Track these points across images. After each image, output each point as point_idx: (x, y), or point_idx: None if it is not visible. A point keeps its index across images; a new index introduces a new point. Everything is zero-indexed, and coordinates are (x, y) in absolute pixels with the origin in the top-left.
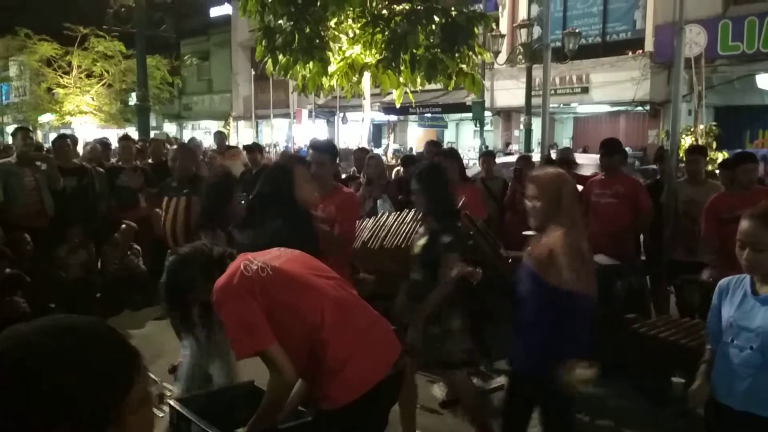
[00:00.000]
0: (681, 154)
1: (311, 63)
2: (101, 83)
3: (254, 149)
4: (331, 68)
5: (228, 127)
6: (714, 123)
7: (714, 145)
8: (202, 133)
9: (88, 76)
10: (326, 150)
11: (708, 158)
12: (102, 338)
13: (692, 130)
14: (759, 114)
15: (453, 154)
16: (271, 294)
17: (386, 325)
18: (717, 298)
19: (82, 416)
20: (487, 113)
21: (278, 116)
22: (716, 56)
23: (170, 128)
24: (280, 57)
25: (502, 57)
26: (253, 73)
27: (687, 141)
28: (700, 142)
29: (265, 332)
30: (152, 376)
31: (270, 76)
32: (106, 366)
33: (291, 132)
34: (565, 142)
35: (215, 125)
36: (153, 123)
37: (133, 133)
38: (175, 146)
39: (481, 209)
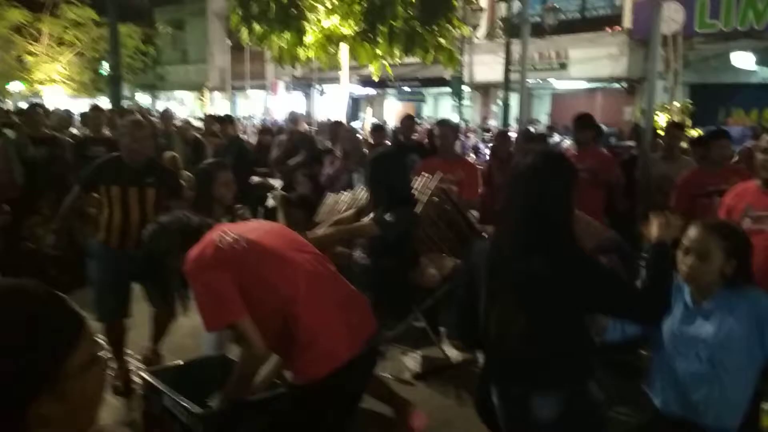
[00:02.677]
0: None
1: (287, 33)
2: (72, 51)
3: (226, 121)
4: (308, 39)
5: (203, 98)
6: (689, 101)
7: (689, 122)
8: (177, 104)
9: (59, 44)
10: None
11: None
12: (42, 300)
13: (668, 107)
14: (733, 92)
15: (451, 125)
16: (245, 266)
17: (363, 300)
18: None
19: (15, 373)
20: (466, 88)
21: (254, 88)
22: (693, 34)
23: (144, 99)
24: (256, 26)
25: (482, 31)
26: (229, 43)
27: (662, 118)
28: (675, 119)
29: (236, 305)
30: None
31: (246, 46)
32: (45, 327)
33: (267, 104)
34: (543, 118)
35: (190, 96)
36: (126, 93)
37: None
38: (126, 119)
39: (474, 188)
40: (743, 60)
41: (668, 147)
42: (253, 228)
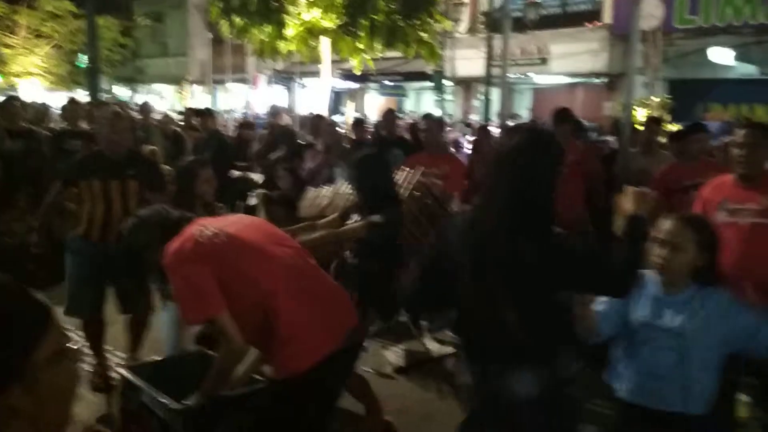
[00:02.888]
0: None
1: (267, 26)
2: (50, 44)
3: (206, 114)
4: (289, 32)
5: (183, 91)
6: (668, 96)
7: (667, 117)
8: (157, 97)
9: (37, 36)
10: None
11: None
12: (4, 291)
13: (647, 102)
14: (711, 87)
15: (436, 119)
16: (224, 260)
17: (344, 295)
18: None
19: None
20: (448, 83)
21: (235, 81)
22: (672, 29)
23: (123, 92)
24: (236, 19)
25: (464, 26)
26: (209, 36)
27: (641, 113)
28: (655, 114)
29: (215, 299)
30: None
31: (226, 39)
32: (10, 318)
33: (248, 98)
34: (524, 112)
35: (170, 89)
36: (105, 86)
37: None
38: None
39: (458, 183)
40: (721, 55)
41: (646, 142)
42: (233, 222)
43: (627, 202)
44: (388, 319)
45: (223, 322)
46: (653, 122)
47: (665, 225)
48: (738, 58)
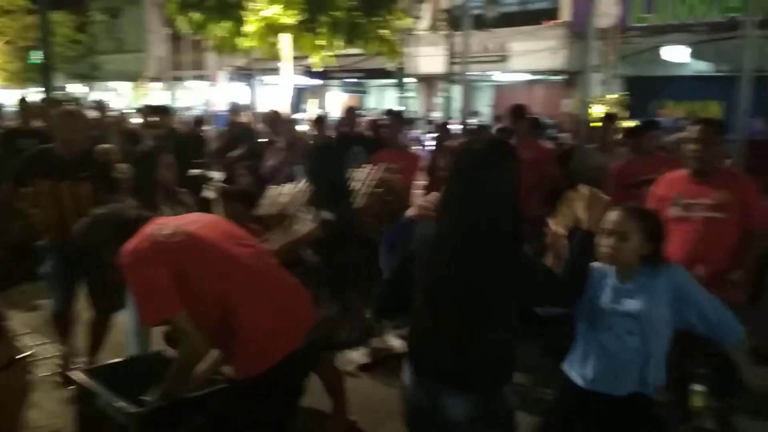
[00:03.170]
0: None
1: (226, 22)
2: (2, 40)
3: (163, 112)
4: (248, 29)
5: (140, 88)
6: (625, 93)
7: (624, 114)
8: (115, 95)
9: None
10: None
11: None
12: None
13: (604, 99)
14: (666, 84)
15: (397, 115)
16: (183, 260)
17: (304, 294)
18: None
19: None
20: (410, 80)
21: (195, 78)
22: (628, 28)
23: (79, 89)
24: (193, 15)
25: (424, 23)
26: (167, 31)
27: (599, 109)
28: (611, 111)
29: (173, 299)
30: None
31: (185, 35)
32: None
33: (207, 95)
34: (485, 110)
35: (127, 86)
36: (59, 83)
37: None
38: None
39: (409, 176)
40: (676, 53)
41: (602, 138)
42: (192, 221)
43: (580, 205)
44: (364, 297)
45: (181, 323)
46: (608, 119)
47: (611, 216)
48: (692, 55)
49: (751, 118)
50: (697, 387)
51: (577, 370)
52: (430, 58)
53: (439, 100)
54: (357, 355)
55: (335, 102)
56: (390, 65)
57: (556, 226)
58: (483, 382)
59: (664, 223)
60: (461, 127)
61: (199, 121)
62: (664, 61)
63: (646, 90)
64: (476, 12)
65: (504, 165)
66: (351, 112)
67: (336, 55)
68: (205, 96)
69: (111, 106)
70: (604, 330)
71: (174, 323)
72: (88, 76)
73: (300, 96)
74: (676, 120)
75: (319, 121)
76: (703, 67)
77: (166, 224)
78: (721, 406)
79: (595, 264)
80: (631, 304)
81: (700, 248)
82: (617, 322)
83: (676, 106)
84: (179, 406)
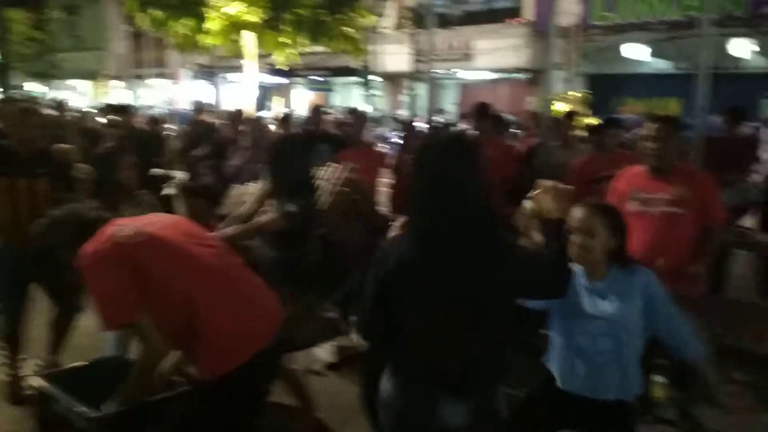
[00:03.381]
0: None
1: (187, 19)
2: None
3: (124, 110)
4: (210, 26)
5: (101, 87)
6: (587, 90)
7: (587, 111)
8: (76, 94)
9: None
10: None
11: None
12: None
13: (566, 97)
14: (626, 82)
15: (359, 114)
16: (144, 261)
17: (270, 294)
18: None
19: None
20: (376, 78)
21: (157, 76)
22: (590, 26)
23: (38, 88)
24: (153, 11)
25: (389, 21)
26: (128, 29)
27: (563, 107)
28: (573, 108)
29: (134, 302)
30: None
31: (146, 32)
32: None
33: (170, 93)
34: (450, 107)
35: (88, 85)
36: (17, 82)
37: None
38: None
39: (374, 174)
40: (636, 51)
41: (563, 135)
42: (152, 221)
43: (544, 198)
44: (329, 296)
45: (142, 325)
46: (567, 117)
47: (576, 214)
48: (652, 53)
49: (709, 115)
50: (658, 378)
51: (555, 371)
52: (396, 56)
53: (404, 98)
54: (324, 354)
55: (301, 100)
56: (355, 63)
57: (527, 212)
58: (483, 385)
59: (624, 215)
60: (427, 125)
61: (155, 119)
62: (625, 59)
63: (608, 87)
64: (440, 10)
65: (468, 157)
66: (317, 111)
67: (301, 53)
68: (168, 94)
69: (71, 104)
70: (578, 332)
71: (135, 327)
72: (47, 75)
73: (265, 94)
74: (637, 117)
75: (285, 120)
76: (662, 64)
77: (126, 225)
78: (681, 397)
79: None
80: (603, 306)
81: (659, 242)
82: (589, 323)
83: (636, 103)
84: (141, 409)
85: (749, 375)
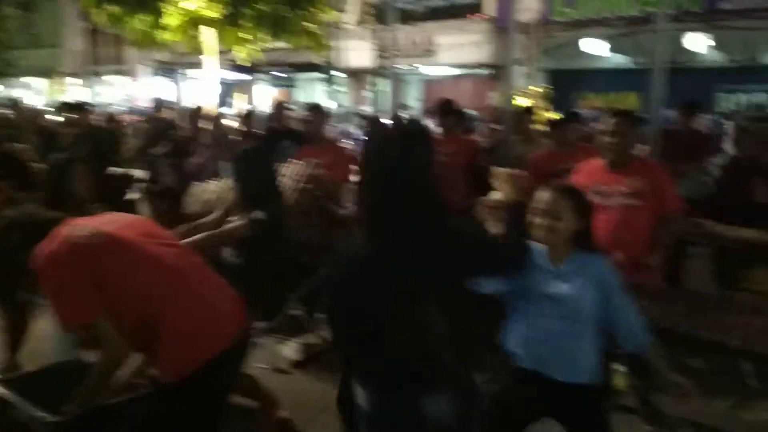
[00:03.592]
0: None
1: (144, 15)
2: None
3: (81, 108)
4: (168, 22)
5: (58, 85)
6: (548, 85)
7: (548, 106)
8: (32, 92)
9: None
10: (318, 110)
11: (538, 118)
12: None
13: (528, 92)
14: (586, 77)
15: (319, 110)
16: (101, 262)
17: (231, 294)
18: None
19: None
20: (340, 74)
21: (115, 73)
22: (550, 22)
23: None
24: (110, 7)
25: (351, 17)
26: (85, 25)
27: (524, 102)
28: (535, 103)
29: (91, 303)
30: None
31: (103, 28)
32: None
33: (129, 90)
34: (414, 103)
35: (43, 83)
36: None
37: None
38: None
39: (342, 170)
40: (595, 47)
41: (521, 131)
42: (110, 221)
43: (502, 184)
44: (271, 318)
45: (101, 327)
46: (525, 112)
47: (542, 196)
48: (610, 49)
49: (666, 108)
50: (619, 367)
51: (516, 352)
52: (359, 52)
53: (368, 94)
54: (289, 352)
55: (264, 96)
56: (318, 59)
57: (489, 203)
58: (459, 372)
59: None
60: (392, 121)
61: (113, 117)
62: (585, 54)
63: (568, 82)
64: (402, 6)
65: (417, 145)
66: (280, 107)
67: (262, 49)
68: (127, 91)
69: (26, 103)
70: (533, 313)
71: (94, 327)
72: (2, 73)
73: (227, 91)
74: (597, 111)
75: (247, 116)
76: (621, 59)
77: (83, 225)
78: (641, 385)
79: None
80: (561, 288)
81: (618, 234)
82: (546, 304)
83: (596, 97)
84: (101, 413)
85: (705, 363)
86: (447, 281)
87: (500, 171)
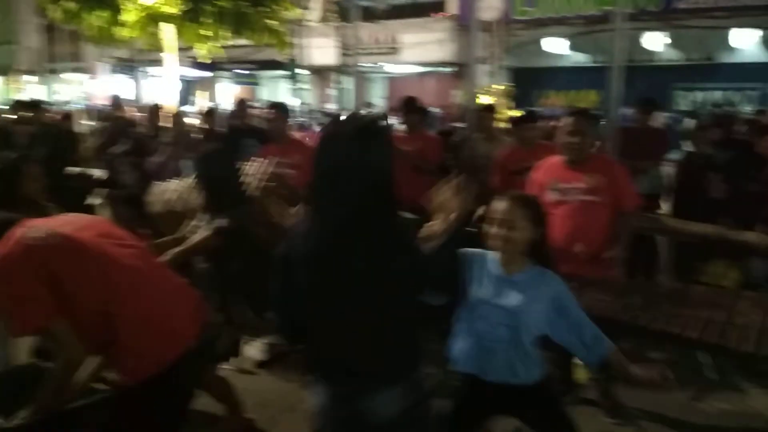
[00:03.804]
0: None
1: (102, 11)
2: None
3: (36, 107)
4: (127, 18)
5: (13, 82)
6: (510, 83)
7: (511, 104)
8: None
9: None
10: (281, 109)
11: (502, 116)
12: None
13: (490, 90)
14: (547, 75)
15: (281, 108)
16: (57, 264)
17: (192, 294)
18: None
19: None
20: (303, 71)
21: (73, 70)
22: (512, 21)
23: None
24: (66, 3)
25: (315, 14)
26: (40, 21)
27: (487, 100)
28: (497, 101)
29: (47, 306)
30: None
31: (59, 24)
32: None
33: (87, 88)
34: (378, 101)
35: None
36: None
37: None
38: None
39: (308, 169)
40: (556, 45)
41: (483, 128)
42: (67, 222)
43: (445, 204)
44: (262, 313)
45: (57, 330)
46: (485, 110)
47: (498, 206)
48: (570, 47)
49: (624, 106)
50: (579, 361)
51: (459, 357)
52: (323, 50)
53: (333, 91)
54: (253, 353)
55: (227, 94)
56: (282, 57)
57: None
58: (403, 370)
59: (545, 207)
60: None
61: (69, 115)
62: (546, 53)
63: (530, 80)
64: (365, 4)
65: (371, 142)
66: (242, 105)
67: (224, 46)
68: (85, 89)
69: None
70: (479, 318)
71: (48, 332)
72: None
73: (189, 88)
74: (559, 109)
75: (209, 114)
76: (581, 58)
77: (38, 226)
78: (602, 378)
79: (482, 252)
80: (510, 297)
81: (577, 229)
82: (493, 312)
83: (557, 95)
84: (58, 418)
85: (664, 355)
86: (389, 282)
87: (444, 191)
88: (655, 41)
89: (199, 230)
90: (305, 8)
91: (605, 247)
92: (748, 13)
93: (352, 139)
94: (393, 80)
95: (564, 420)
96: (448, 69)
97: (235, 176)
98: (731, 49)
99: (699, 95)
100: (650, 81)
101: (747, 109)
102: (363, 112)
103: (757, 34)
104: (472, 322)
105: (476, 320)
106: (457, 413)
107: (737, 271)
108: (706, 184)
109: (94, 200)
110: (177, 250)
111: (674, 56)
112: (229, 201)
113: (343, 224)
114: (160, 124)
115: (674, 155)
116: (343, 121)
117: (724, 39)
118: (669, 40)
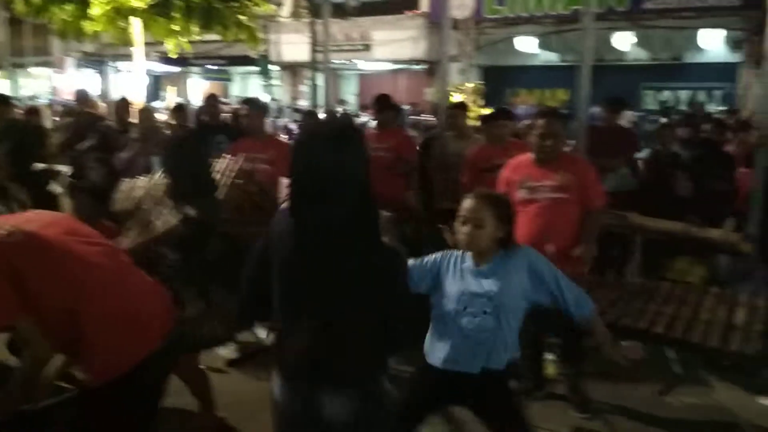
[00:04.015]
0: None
1: (69, 5)
2: None
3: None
4: (94, 12)
5: None
6: (481, 82)
7: (480, 102)
8: None
9: None
10: (258, 105)
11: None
12: None
13: (462, 88)
14: (518, 73)
15: (257, 104)
16: (21, 261)
17: (161, 293)
18: (435, 266)
19: None
20: (275, 67)
21: (39, 65)
22: (483, 19)
23: None
24: None
25: (286, 10)
26: (5, 15)
27: (455, 98)
28: (469, 99)
29: (10, 304)
30: None
31: (24, 17)
32: None
33: (54, 83)
34: (351, 98)
35: None
36: None
37: None
38: None
39: (283, 165)
40: (526, 44)
41: (454, 126)
42: (31, 218)
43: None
44: (231, 291)
45: (23, 328)
46: (456, 108)
47: (466, 204)
48: (540, 46)
49: (593, 105)
50: (549, 356)
51: (435, 353)
52: (294, 46)
53: (304, 88)
54: (225, 351)
55: (197, 90)
56: (254, 52)
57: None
58: (362, 374)
59: (513, 204)
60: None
61: (35, 110)
62: (517, 52)
63: (501, 79)
64: (337, 0)
65: (350, 147)
66: (212, 100)
67: (195, 42)
68: (52, 84)
69: None
70: (462, 312)
71: (15, 329)
72: None
73: (158, 84)
74: (530, 107)
75: (179, 110)
76: (551, 56)
77: (1, 224)
78: (571, 373)
79: (452, 251)
80: (487, 285)
81: (546, 227)
82: (474, 303)
83: (528, 93)
84: (25, 418)
85: None
86: (356, 284)
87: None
88: (624, 41)
89: (164, 217)
90: (277, 4)
91: (574, 244)
92: (715, 14)
93: (329, 140)
94: (365, 77)
95: (517, 414)
96: (419, 66)
97: (204, 165)
98: (698, 49)
99: (667, 94)
100: (619, 80)
101: (713, 108)
102: (337, 110)
103: (723, 34)
104: (454, 317)
105: (458, 314)
106: (408, 400)
107: (703, 268)
108: (672, 182)
109: (56, 188)
110: (143, 239)
111: (642, 56)
112: (197, 190)
113: (321, 224)
114: (129, 119)
115: (641, 154)
116: (320, 122)
117: (692, 39)
118: (637, 40)
